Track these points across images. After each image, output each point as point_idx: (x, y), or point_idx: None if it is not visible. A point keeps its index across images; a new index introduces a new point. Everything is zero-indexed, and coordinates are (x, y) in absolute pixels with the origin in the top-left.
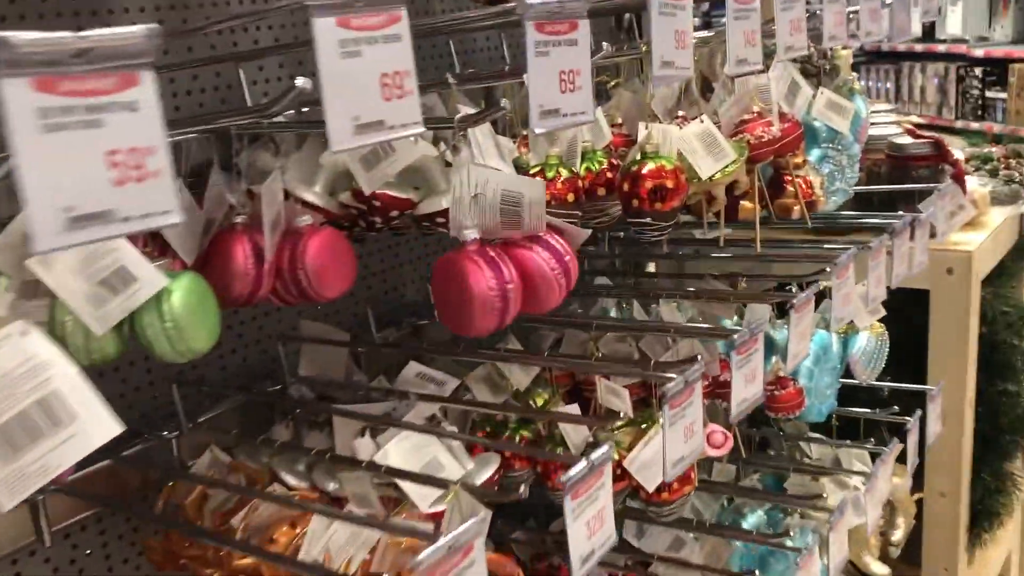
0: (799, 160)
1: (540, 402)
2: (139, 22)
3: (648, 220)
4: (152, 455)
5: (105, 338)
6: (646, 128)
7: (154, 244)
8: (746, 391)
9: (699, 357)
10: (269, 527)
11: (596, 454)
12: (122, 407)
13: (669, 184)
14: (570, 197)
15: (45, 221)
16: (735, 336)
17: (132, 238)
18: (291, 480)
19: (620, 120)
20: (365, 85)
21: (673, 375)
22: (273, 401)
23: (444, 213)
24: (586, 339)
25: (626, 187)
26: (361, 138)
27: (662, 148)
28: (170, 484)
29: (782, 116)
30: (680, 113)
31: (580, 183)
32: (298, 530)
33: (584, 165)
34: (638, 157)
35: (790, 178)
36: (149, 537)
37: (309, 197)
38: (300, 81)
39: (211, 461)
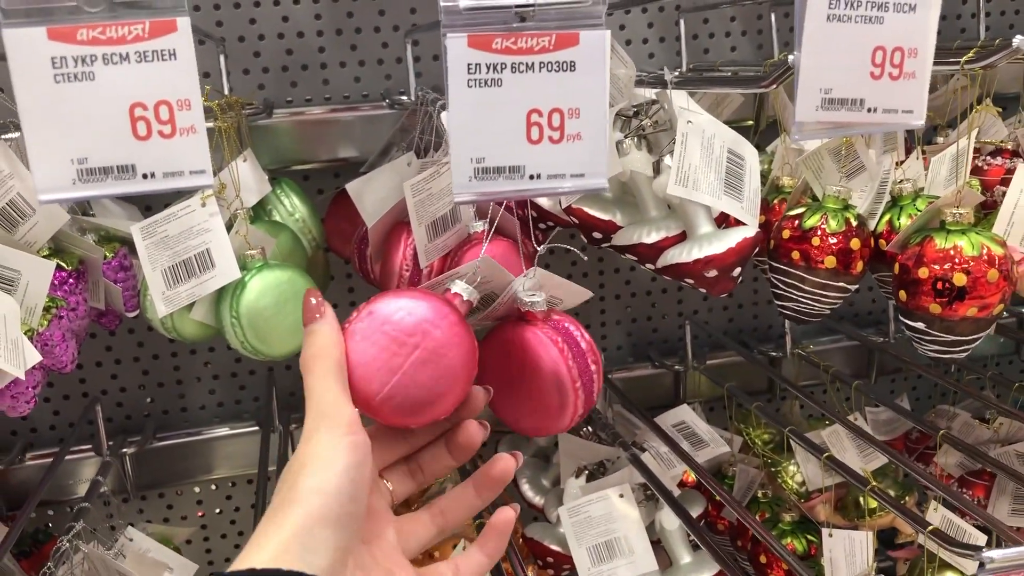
0: None
1: None
2: None
3: (920, 326)
4: None
5: (181, 317)
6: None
7: None
8: None
9: None
10: None
11: None
12: None
13: (960, 279)
14: (829, 262)
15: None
16: None
17: None
18: None
19: None
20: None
21: None
22: None
23: (640, 248)
24: None
25: (897, 267)
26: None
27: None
28: None
29: None
30: None
31: (864, 243)
32: None
33: (886, 217)
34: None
35: None
36: None
37: None
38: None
39: None
